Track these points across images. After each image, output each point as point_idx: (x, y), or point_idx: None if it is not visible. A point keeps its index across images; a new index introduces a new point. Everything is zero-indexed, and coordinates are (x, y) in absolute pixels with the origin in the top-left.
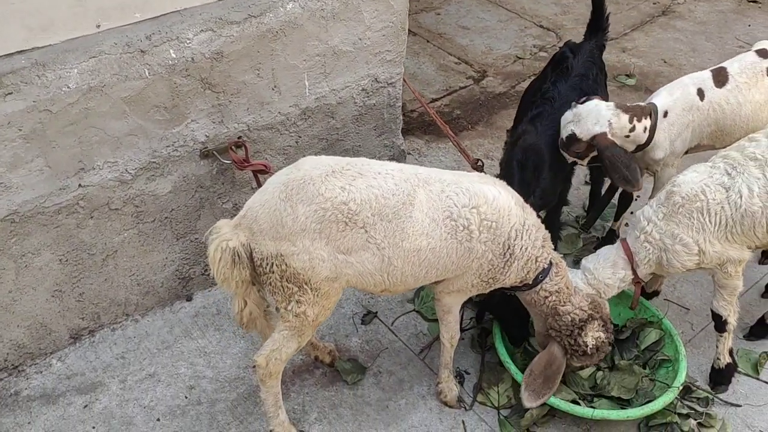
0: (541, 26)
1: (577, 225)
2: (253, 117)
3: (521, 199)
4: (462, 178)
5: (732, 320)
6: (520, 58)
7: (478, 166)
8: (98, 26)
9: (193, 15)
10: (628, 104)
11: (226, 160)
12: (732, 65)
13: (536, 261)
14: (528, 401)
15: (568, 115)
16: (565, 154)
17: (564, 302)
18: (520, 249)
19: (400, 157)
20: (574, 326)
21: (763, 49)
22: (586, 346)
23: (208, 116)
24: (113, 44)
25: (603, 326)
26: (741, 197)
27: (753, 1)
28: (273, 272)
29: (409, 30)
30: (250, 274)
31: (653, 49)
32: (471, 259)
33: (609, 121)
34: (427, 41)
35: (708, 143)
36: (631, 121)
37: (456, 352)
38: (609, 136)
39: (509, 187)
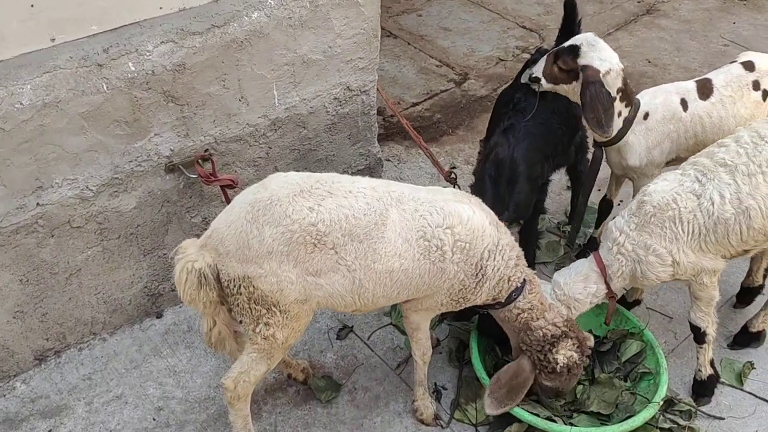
0: (524, 27)
1: (559, 232)
2: (220, 129)
3: (495, 218)
4: (437, 196)
5: (710, 331)
6: (502, 60)
7: (451, 179)
8: (53, 40)
9: (152, 26)
10: (632, 90)
11: (192, 174)
12: (717, 77)
13: (509, 281)
14: (489, 408)
15: (588, 36)
16: (541, 64)
17: (536, 318)
18: (492, 269)
19: (376, 165)
20: (545, 342)
21: (750, 61)
22: (556, 363)
23: (172, 129)
24: (68, 58)
25: (577, 347)
26: (713, 204)
27: None
28: (240, 294)
29: (389, 32)
30: (218, 295)
31: (637, 49)
32: (443, 280)
33: (611, 68)
34: (408, 44)
35: (688, 156)
36: (618, 92)
37: (433, 367)
38: (602, 74)
39: (484, 205)
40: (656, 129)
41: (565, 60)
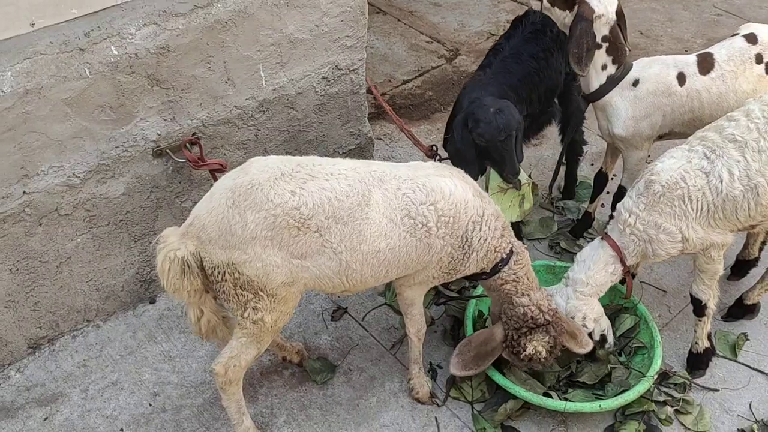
0: (515, 0)
1: (552, 207)
2: (207, 112)
3: (479, 188)
4: (418, 172)
5: (711, 304)
6: (493, 35)
7: (433, 152)
8: (32, 25)
9: (134, 8)
10: (624, 47)
11: (180, 158)
12: (720, 51)
13: (495, 251)
14: (453, 368)
15: None
16: None
17: (521, 293)
18: (479, 240)
19: (367, 145)
20: (524, 322)
21: (752, 33)
22: (523, 350)
23: (158, 114)
24: (49, 43)
25: (550, 346)
26: (722, 182)
27: None
28: (226, 280)
29: (379, 9)
30: (203, 283)
31: (630, 20)
32: (431, 255)
33: (603, 14)
34: (398, 20)
35: (683, 131)
36: (605, 41)
37: (428, 346)
38: (595, 14)
39: (467, 176)
40: (646, 100)
41: None
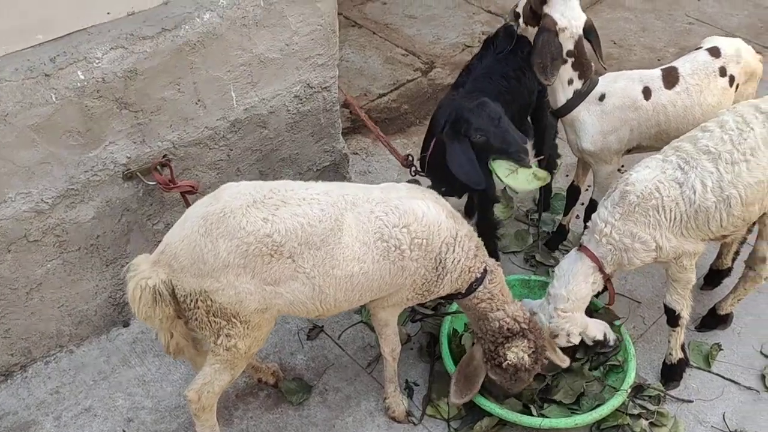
0: (489, 12)
1: (527, 220)
2: (177, 134)
3: (452, 209)
4: (391, 195)
5: (685, 314)
6: (468, 47)
7: (408, 162)
8: None
9: (101, 33)
10: (590, 62)
11: (150, 181)
12: (684, 65)
13: (469, 271)
14: (454, 396)
15: None
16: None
17: (496, 308)
18: (452, 262)
19: (342, 161)
20: (499, 334)
21: (715, 47)
22: (504, 359)
23: (127, 137)
24: (14, 70)
25: (533, 351)
26: (695, 193)
27: None
28: (198, 308)
29: (354, 22)
30: (175, 310)
31: (603, 31)
32: (404, 277)
33: (567, 26)
34: (374, 33)
35: (651, 145)
36: (570, 56)
37: (405, 364)
38: (558, 27)
39: (440, 198)
40: (613, 114)
41: (536, 2)
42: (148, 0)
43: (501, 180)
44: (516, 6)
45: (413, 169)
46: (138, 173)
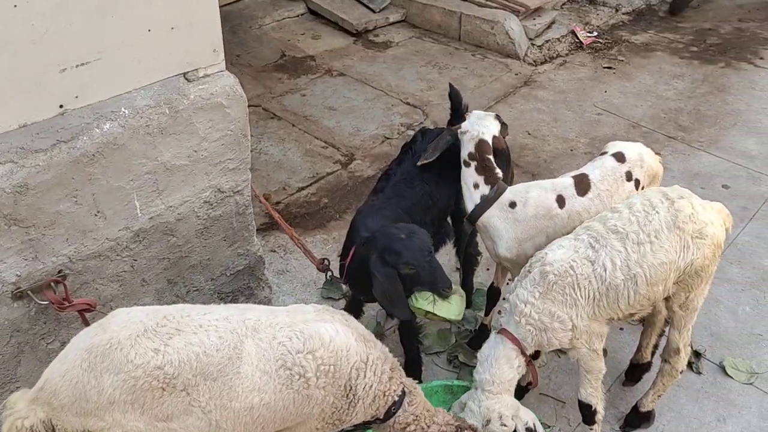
0: (408, 103)
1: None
2: (74, 248)
3: (364, 331)
4: (296, 318)
5: (600, 409)
6: (387, 138)
7: (324, 266)
8: None
9: None
10: (494, 167)
11: (42, 300)
12: (593, 172)
13: (384, 396)
14: None
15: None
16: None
17: (427, 426)
18: (364, 387)
19: (257, 263)
20: None
21: (620, 152)
22: None
23: (17, 254)
24: None
25: None
26: (605, 270)
27: (608, 67)
28: None
29: (273, 114)
30: None
31: (517, 121)
32: (311, 407)
33: (468, 130)
34: (293, 125)
35: None
36: (472, 159)
37: None
38: (459, 129)
39: (351, 319)
40: (527, 223)
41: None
42: (42, 111)
43: (421, 309)
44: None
45: (329, 273)
46: (29, 292)
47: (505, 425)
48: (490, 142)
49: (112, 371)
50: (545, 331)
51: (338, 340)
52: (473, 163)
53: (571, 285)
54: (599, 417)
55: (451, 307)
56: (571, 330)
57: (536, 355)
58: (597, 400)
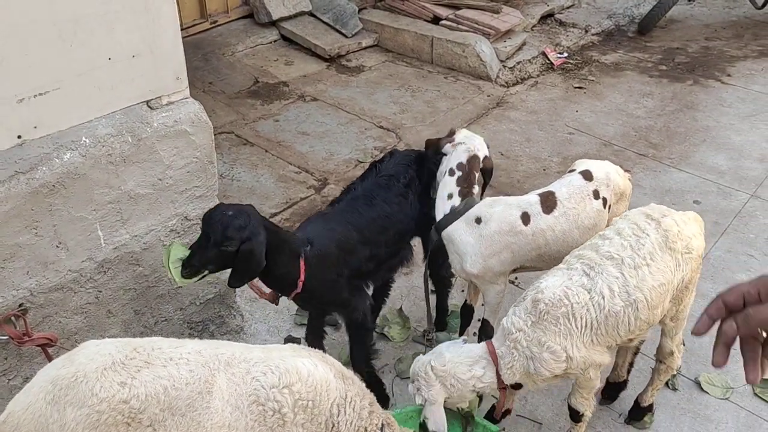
0: (381, 127)
1: (425, 341)
2: (35, 280)
3: (342, 369)
4: (272, 354)
5: (588, 413)
6: (361, 162)
7: (273, 295)
8: None
9: None
10: (473, 182)
11: (2, 335)
12: (560, 189)
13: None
14: None
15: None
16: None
17: None
18: (346, 424)
19: (227, 292)
20: None
21: (587, 170)
22: None
23: None
24: None
25: None
26: (603, 298)
27: (579, 87)
28: None
29: (246, 140)
30: None
31: (490, 142)
32: None
33: (467, 141)
34: (266, 151)
35: (534, 266)
36: (461, 169)
37: None
38: (454, 140)
39: (327, 357)
40: (492, 239)
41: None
42: None
43: (167, 260)
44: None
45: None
46: None
47: (414, 398)
48: (481, 159)
49: (76, 405)
50: (532, 360)
51: (317, 374)
52: (458, 173)
53: (566, 315)
54: (585, 418)
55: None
56: (566, 361)
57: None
58: (586, 407)
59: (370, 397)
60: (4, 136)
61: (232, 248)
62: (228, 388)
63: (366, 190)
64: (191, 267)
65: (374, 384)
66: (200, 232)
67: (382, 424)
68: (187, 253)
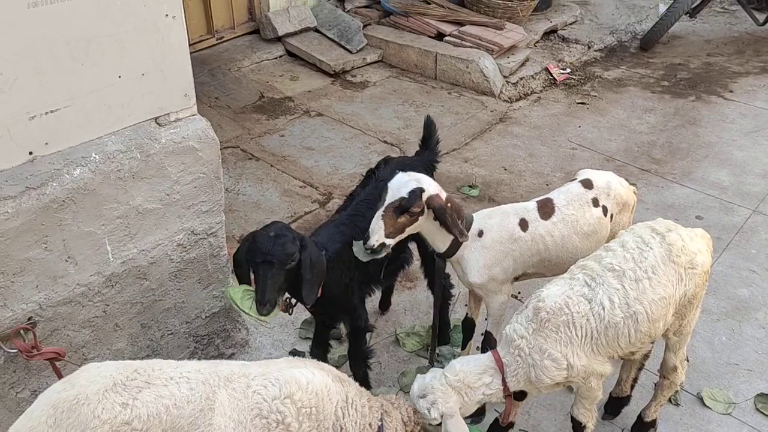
0: (385, 142)
1: (426, 354)
2: (44, 294)
3: (338, 373)
4: (270, 368)
5: (590, 425)
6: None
7: (290, 304)
8: None
9: None
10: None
11: (11, 349)
12: (559, 197)
13: (371, 427)
14: None
15: (414, 174)
16: (379, 231)
17: (416, 423)
18: (353, 424)
19: (230, 309)
20: None
21: (588, 179)
22: None
23: None
24: None
25: None
26: (603, 309)
27: (581, 103)
28: None
29: (252, 155)
30: None
31: (494, 157)
32: None
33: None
34: (271, 165)
35: (537, 272)
36: (448, 200)
37: None
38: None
39: (323, 365)
40: (493, 248)
41: (417, 204)
42: (11, 158)
43: (234, 298)
44: (370, 245)
45: (291, 311)
46: None
47: (429, 413)
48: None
49: (78, 428)
50: (533, 367)
51: (316, 381)
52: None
53: (566, 323)
54: (587, 430)
55: (256, 312)
56: (566, 369)
57: (522, 395)
58: (588, 419)
59: (367, 393)
60: (15, 153)
61: (295, 262)
62: (230, 404)
63: (368, 195)
64: (268, 302)
65: (364, 385)
66: (238, 268)
67: (381, 416)
68: (243, 288)
